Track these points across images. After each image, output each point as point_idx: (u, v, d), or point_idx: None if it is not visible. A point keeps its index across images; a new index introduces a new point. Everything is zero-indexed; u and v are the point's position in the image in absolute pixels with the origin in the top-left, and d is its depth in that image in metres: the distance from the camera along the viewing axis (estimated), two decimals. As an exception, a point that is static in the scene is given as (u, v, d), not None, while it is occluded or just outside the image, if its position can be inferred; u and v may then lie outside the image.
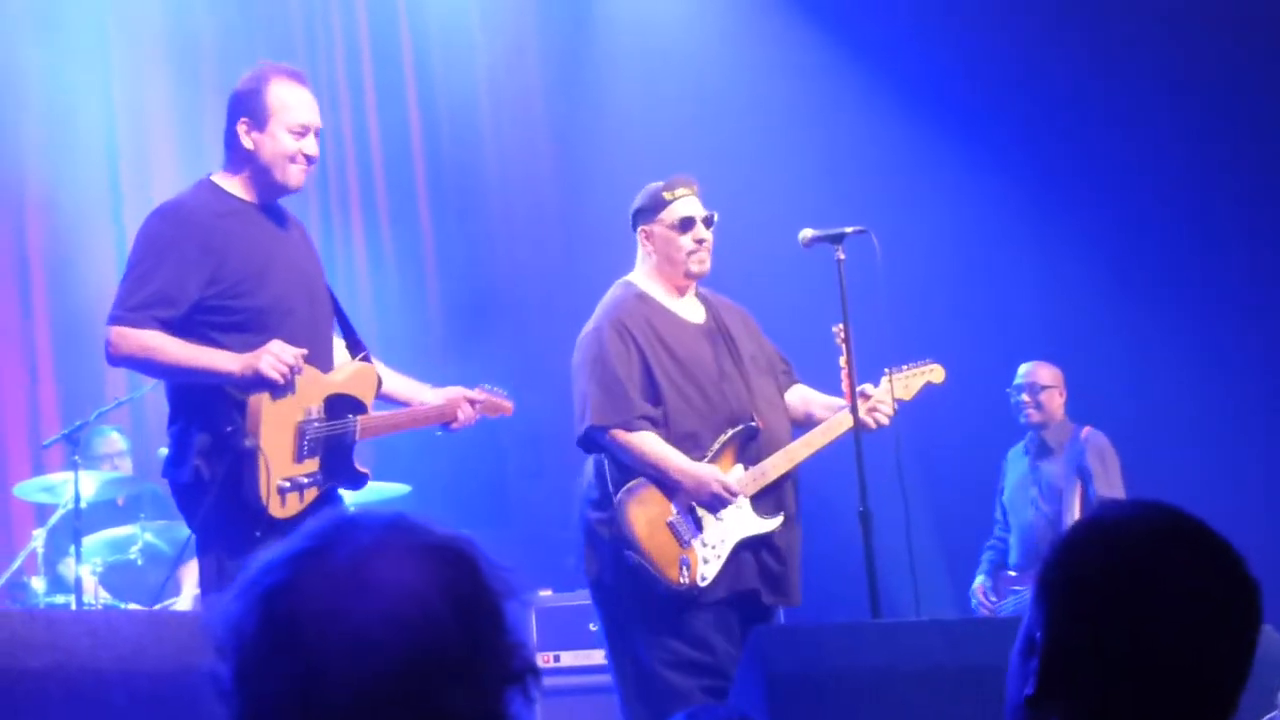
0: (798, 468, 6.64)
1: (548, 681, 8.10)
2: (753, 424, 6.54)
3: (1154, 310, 10.50)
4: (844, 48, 11.03)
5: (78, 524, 8.19)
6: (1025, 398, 9.08)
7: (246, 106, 5.87)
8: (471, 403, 6.32)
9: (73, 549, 8.20)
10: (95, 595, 8.30)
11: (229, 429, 5.57)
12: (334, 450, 5.77)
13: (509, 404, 6.52)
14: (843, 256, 6.60)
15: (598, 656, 8.26)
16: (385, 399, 6.15)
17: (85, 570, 8.18)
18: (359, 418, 5.85)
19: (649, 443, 6.45)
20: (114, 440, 9.28)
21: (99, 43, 10.37)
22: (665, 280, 6.72)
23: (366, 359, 6.01)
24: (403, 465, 9.37)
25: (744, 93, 11.13)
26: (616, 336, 6.55)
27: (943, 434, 9.29)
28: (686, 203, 6.67)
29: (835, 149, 10.72)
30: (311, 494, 5.70)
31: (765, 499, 6.53)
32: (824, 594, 6.93)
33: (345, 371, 5.90)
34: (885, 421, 6.64)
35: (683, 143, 10.85)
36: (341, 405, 5.81)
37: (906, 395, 6.83)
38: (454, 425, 6.31)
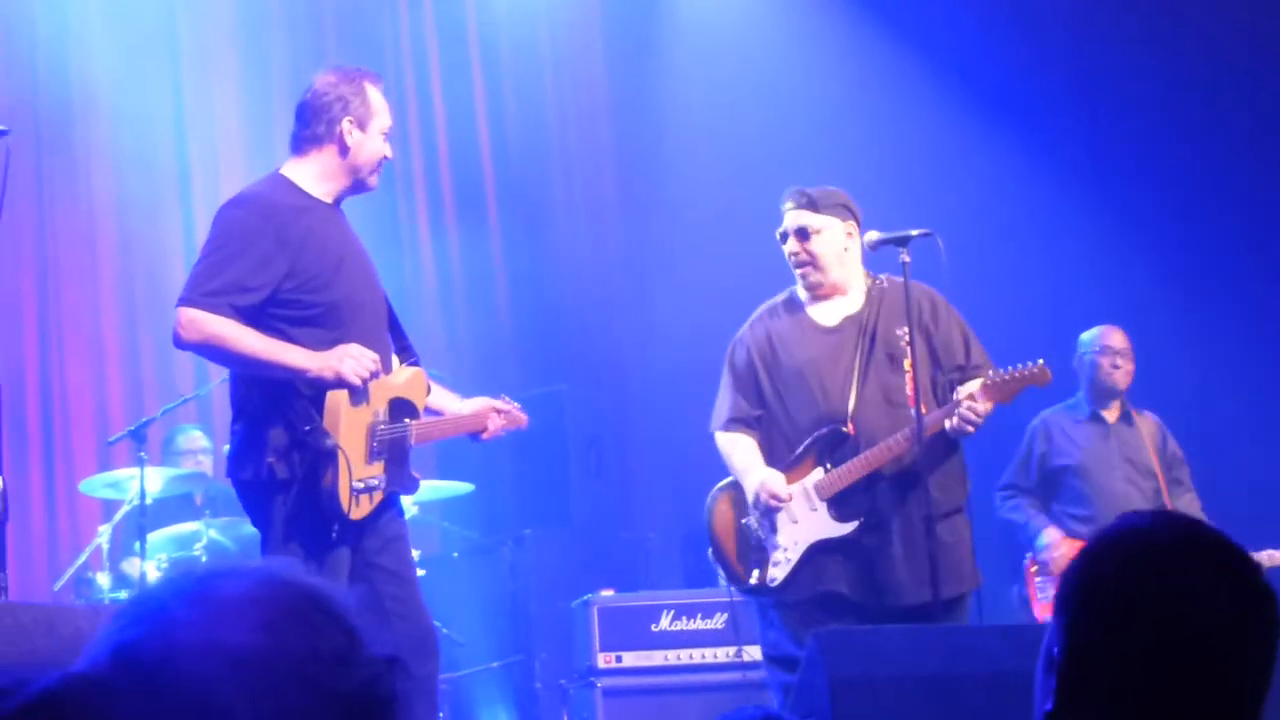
0: (938, 467, 6.61)
1: (610, 682, 8.17)
2: (842, 429, 6.60)
3: (1218, 310, 10.45)
4: (908, 49, 11.02)
5: (143, 520, 8.26)
6: (1118, 361, 8.78)
7: (351, 105, 5.87)
8: (499, 412, 6.29)
9: (138, 545, 8.28)
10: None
11: (307, 427, 5.54)
12: (396, 454, 5.78)
13: (524, 417, 6.49)
14: (908, 259, 6.60)
15: (659, 657, 8.29)
16: (429, 411, 6.14)
17: (150, 566, 8.24)
18: (413, 423, 5.85)
19: (730, 444, 6.81)
20: (196, 438, 9.36)
21: (168, 34, 10.46)
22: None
23: (416, 364, 6.03)
24: (466, 464, 9.41)
25: (808, 94, 11.12)
26: (735, 347, 6.93)
27: (1007, 435, 9.26)
28: (786, 217, 6.84)
29: (900, 151, 10.71)
30: (378, 497, 5.70)
31: (846, 502, 6.61)
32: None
33: (403, 375, 5.90)
34: (967, 429, 6.54)
35: (747, 145, 10.87)
36: (400, 409, 5.83)
37: (1004, 398, 6.67)
38: (484, 435, 6.27)
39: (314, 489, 5.55)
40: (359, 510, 5.61)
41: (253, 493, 5.71)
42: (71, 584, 8.50)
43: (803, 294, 6.88)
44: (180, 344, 5.67)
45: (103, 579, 8.35)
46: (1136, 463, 8.69)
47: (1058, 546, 8.52)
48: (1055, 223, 10.69)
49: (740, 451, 6.75)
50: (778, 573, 6.59)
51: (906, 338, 6.60)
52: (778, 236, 6.84)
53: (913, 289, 6.68)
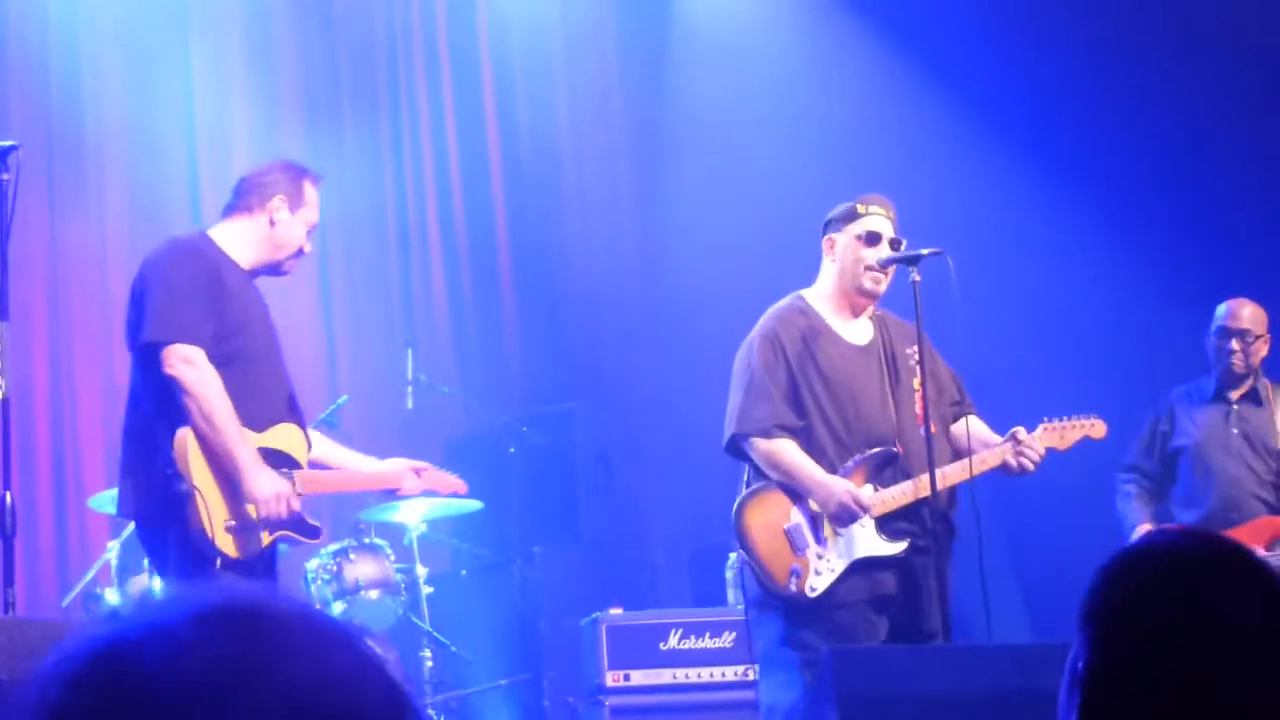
0: (953, 499, 6.64)
1: (618, 700, 8.18)
2: (892, 449, 6.54)
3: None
4: (920, 69, 11.02)
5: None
6: (1236, 345, 8.22)
7: (287, 187, 6.33)
8: (417, 472, 6.53)
9: (146, 561, 8.27)
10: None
11: (169, 470, 5.75)
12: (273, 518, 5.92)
13: (460, 484, 6.82)
14: (918, 278, 6.57)
15: (667, 675, 8.29)
16: (322, 468, 6.40)
17: (158, 583, 8.23)
18: (295, 473, 6.06)
19: (785, 450, 6.52)
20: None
21: (180, 51, 10.48)
22: (839, 296, 6.75)
23: (299, 424, 6.24)
24: (475, 482, 9.40)
25: (820, 112, 11.12)
26: (768, 346, 6.65)
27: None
28: (878, 220, 6.68)
29: (912, 171, 10.70)
30: (267, 537, 5.91)
31: (894, 523, 6.51)
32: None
33: (275, 430, 6.10)
34: (1030, 468, 6.60)
35: (759, 166, 10.87)
36: (273, 461, 6.01)
37: (1061, 445, 6.77)
38: (400, 493, 6.55)
39: (185, 531, 5.75)
40: (240, 548, 5.82)
41: (146, 534, 6.01)
42: (80, 600, 8.50)
43: (825, 305, 6.76)
44: (170, 379, 5.84)
45: (111, 595, 8.35)
46: (1255, 442, 8.23)
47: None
48: (1067, 240, 10.65)
49: (800, 458, 6.50)
50: (819, 583, 6.43)
51: (915, 357, 6.60)
52: (864, 234, 6.65)
53: (908, 329, 6.76)
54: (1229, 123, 10.51)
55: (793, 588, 6.43)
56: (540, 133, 11.54)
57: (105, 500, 8.71)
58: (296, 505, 5.93)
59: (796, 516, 6.51)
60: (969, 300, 6.68)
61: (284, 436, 6.14)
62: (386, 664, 1.52)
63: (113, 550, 8.51)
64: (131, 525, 8.41)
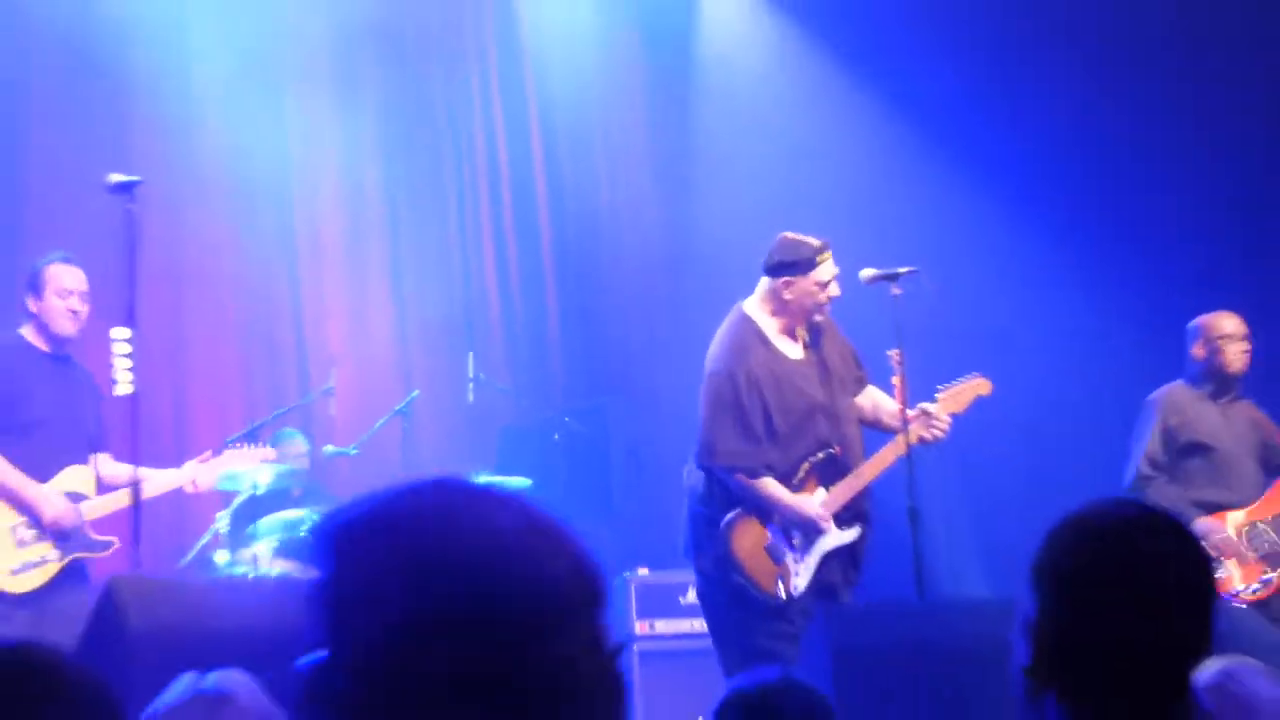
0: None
1: (645, 646, 8.21)
2: (833, 450, 6.63)
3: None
4: (899, 106, 10.83)
5: (254, 508, 8.36)
6: (1247, 346, 7.63)
7: (31, 284, 7.04)
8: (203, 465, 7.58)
9: (252, 528, 8.35)
10: (270, 566, 8.36)
11: None
12: (63, 531, 6.84)
13: (272, 452, 8.06)
14: (898, 292, 6.65)
15: (687, 625, 8.32)
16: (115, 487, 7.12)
17: (263, 546, 8.28)
18: (80, 504, 6.94)
19: (767, 487, 6.57)
20: (299, 443, 9.45)
21: (275, 100, 10.42)
22: (786, 319, 6.76)
23: (87, 464, 7.05)
24: (525, 463, 9.48)
25: (820, 148, 10.94)
26: (747, 386, 6.60)
27: (981, 437, 9.02)
28: (830, 266, 6.70)
29: (889, 194, 10.54)
30: (52, 568, 6.78)
31: (843, 512, 6.65)
32: (871, 577, 6.93)
33: (59, 476, 6.94)
34: (941, 435, 6.73)
35: (779, 174, 10.72)
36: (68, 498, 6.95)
37: (958, 408, 6.86)
38: (196, 486, 7.54)
39: None
40: (23, 585, 6.66)
41: None
42: (194, 562, 8.56)
43: (771, 325, 6.77)
44: None
45: (221, 556, 8.41)
46: (1255, 442, 7.62)
47: (1217, 530, 7.31)
48: (1032, 255, 10.36)
49: (778, 491, 6.57)
50: (800, 582, 6.56)
51: (897, 357, 6.65)
52: (825, 280, 6.66)
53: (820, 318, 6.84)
54: (1198, 141, 9.94)
55: (782, 593, 6.54)
56: (579, 166, 11.47)
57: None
58: (78, 519, 6.85)
59: (769, 532, 6.60)
60: (941, 311, 6.70)
61: (72, 477, 6.97)
62: (590, 563, 1.55)
63: (222, 520, 8.56)
64: (239, 499, 8.51)
